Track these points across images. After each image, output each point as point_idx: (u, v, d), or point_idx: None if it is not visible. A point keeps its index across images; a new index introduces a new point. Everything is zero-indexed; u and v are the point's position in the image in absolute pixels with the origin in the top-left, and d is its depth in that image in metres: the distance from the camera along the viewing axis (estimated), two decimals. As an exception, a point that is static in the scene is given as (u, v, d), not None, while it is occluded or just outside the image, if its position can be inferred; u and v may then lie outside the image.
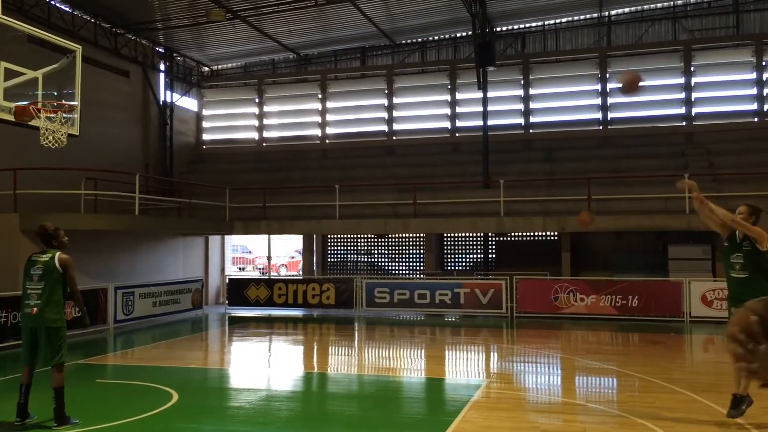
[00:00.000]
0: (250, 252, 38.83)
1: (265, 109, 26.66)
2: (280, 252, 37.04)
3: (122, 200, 18.21)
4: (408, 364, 12.23)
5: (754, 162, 20.00)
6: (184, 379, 10.29)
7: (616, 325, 16.23)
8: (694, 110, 22.42)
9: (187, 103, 26.54)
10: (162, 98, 24.78)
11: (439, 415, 8.08)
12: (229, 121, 27.30)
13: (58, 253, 7.38)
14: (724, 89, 22.61)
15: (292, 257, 38.38)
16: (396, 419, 7.94)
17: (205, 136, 27.27)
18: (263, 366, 11.90)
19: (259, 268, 36.97)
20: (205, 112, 27.29)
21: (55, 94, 9.61)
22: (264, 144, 26.57)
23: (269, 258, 25.44)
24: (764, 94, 21.86)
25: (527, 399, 8.96)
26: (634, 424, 7.36)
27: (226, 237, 23.92)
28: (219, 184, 22.17)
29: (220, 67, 27.45)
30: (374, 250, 23.92)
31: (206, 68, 27.30)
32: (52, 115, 8.53)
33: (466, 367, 12.03)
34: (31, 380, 7.39)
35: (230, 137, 27.16)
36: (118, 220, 17.31)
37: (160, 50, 24.73)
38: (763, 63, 21.82)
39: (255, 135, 26.71)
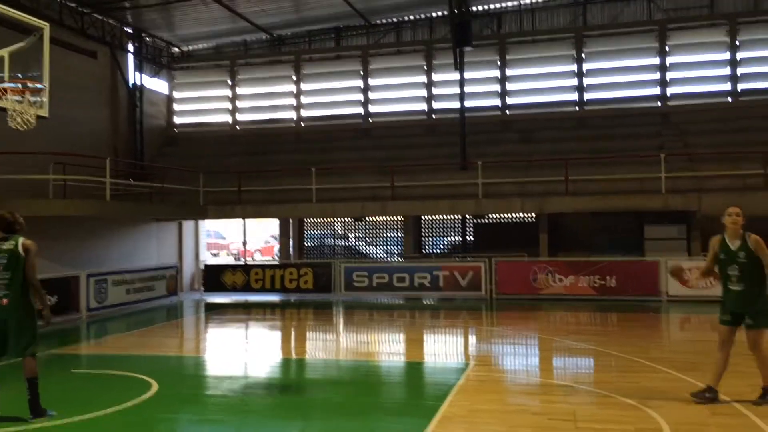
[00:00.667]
0: (224, 238, 38.39)
1: (238, 91, 26.15)
2: (255, 237, 36.65)
3: (93, 185, 17.74)
4: (390, 349, 12.10)
5: (728, 141, 20.13)
6: (163, 367, 10.04)
7: (594, 305, 16.29)
8: (669, 90, 22.48)
9: (158, 85, 25.93)
10: (131, 80, 24.14)
11: (426, 400, 7.96)
12: (201, 103, 26.76)
13: (21, 239, 7.04)
14: (698, 69, 22.70)
15: (267, 242, 38.01)
16: (382, 405, 7.80)
17: (177, 119, 26.70)
18: (243, 353, 11.68)
19: (233, 254, 36.60)
20: (176, 95, 26.69)
21: (20, 76, 9.19)
22: (237, 127, 26.11)
23: (245, 243, 25.08)
24: (738, 74, 21.99)
25: (513, 381, 8.89)
26: (622, 404, 7.32)
27: (200, 222, 23.54)
28: (191, 168, 21.72)
29: (190, 48, 26.85)
30: (351, 233, 23.71)
31: (176, 49, 26.67)
32: (19, 96, 8.11)
33: (449, 351, 11.94)
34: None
35: (202, 120, 26.61)
36: (88, 205, 16.85)
37: (129, 30, 24.06)
38: (737, 43, 21.93)
39: (228, 118, 26.22)
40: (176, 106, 26.68)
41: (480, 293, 17.66)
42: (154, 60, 25.50)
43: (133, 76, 24.27)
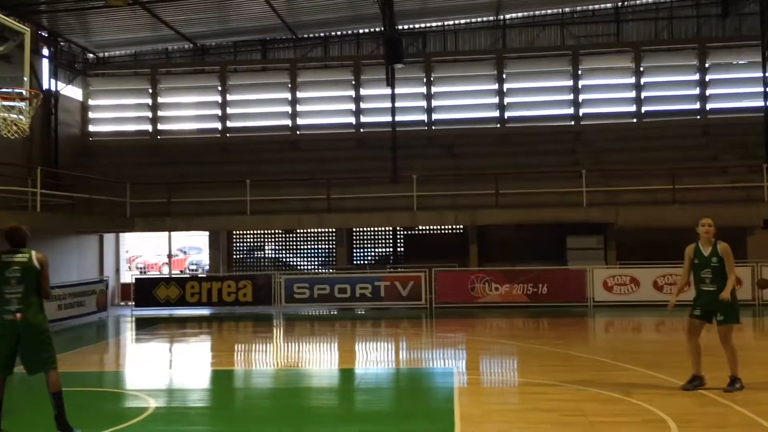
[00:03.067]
0: (126, 251, 36.93)
1: (159, 100, 25.47)
2: (161, 250, 35.57)
3: (11, 196, 16.82)
4: (370, 357, 12.36)
5: (634, 159, 21.89)
6: (153, 383, 9.81)
7: (528, 311, 17.24)
8: (582, 111, 24.14)
9: (72, 92, 24.80)
10: (45, 86, 22.97)
11: (437, 403, 8.32)
12: (119, 112, 25.86)
13: (33, 252, 6.84)
14: (607, 92, 24.55)
15: (176, 255, 36.93)
16: (404, 410, 8.06)
17: (92, 128, 25.62)
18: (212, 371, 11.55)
19: (139, 267, 35.30)
20: (91, 102, 25.63)
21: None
22: (159, 137, 25.39)
23: (170, 256, 24.40)
24: (641, 98, 23.97)
25: (504, 383, 9.41)
26: (615, 399, 8.00)
27: (121, 236, 22.71)
28: (113, 179, 20.94)
29: (106, 54, 25.88)
30: (282, 245, 23.66)
31: (91, 55, 25.64)
32: (13, 104, 7.81)
33: (426, 357, 12.24)
34: (3, 394, 6.80)
35: (120, 129, 25.68)
36: (16, 217, 15.89)
37: (44, 34, 22.92)
38: (641, 68, 23.92)
39: (148, 127, 25.45)
40: (91, 114, 25.62)
41: (420, 302, 18.21)
42: (69, 66, 24.39)
43: (48, 83, 23.11)
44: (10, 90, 8.03)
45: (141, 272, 32.49)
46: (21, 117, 8.13)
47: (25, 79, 8.88)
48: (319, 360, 12.18)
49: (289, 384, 9.95)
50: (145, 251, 35.38)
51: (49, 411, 6.61)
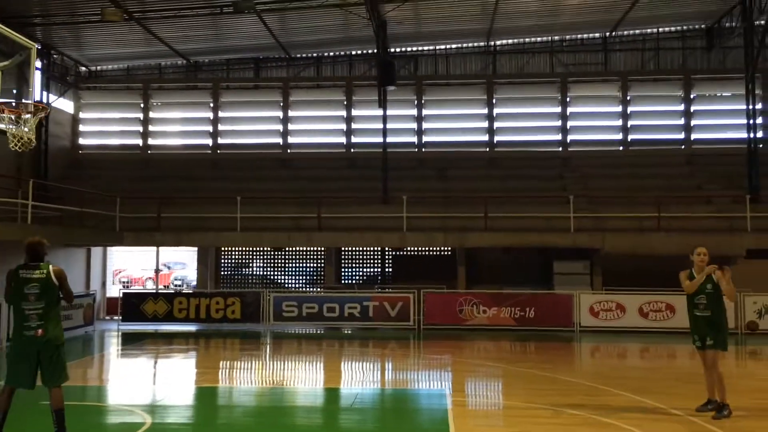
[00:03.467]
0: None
1: (152, 115, 25.52)
2: (145, 265, 35.37)
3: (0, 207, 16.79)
4: (356, 377, 12.41)
5: (621, 186, 22.26)
6: (144, 398, 9.80)
7: (515, 334, 17.38)
8: (569, 137, 24.53)
9: (63, 104, 24.80)
10: (37, 98, 22.93)
11: (432, 424, 8.42)
12: (110, 125, 25.85)
13: (50, 266, 6.90)
14: (594, 119, 24.99)
15: (160, 270, 36.73)
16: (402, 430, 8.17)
17: (83, 141, 25.60)
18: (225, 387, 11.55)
19: (123, 282, 35.04)
20: (82, 115, 25.62)
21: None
22: (149, 151, 25.41)
23: (157, 270, 24.30)
24: (628, 126, 24.42)
25: (494, 406, 9.52)
26: (605, 423, 8.15)
27: (108, 249, 22.61)
28: (102, 192, 20.91)
29: (99, 68, 25.94)
30: (269, 263, 23.67)
31: (84, 68, 25.67)
32: (24, 116, 7.90)
33: (414, 378, 12.33)
34: (9, 405, 6.83)
35: (111, 143, 25.68)
36: (9, 229, 15.88)
37: (37, 47, 22.85)
38: (628, 97, 24.40)
39: (139, 141, 25.46)
40: (82, 127, 25.61)
41: (408, 323, 18.30)
42: (61, 79, 24.41)
43: (40, 95, 23.08)
44: (12, 103, 8.08)
45: (125, 287, 32.28)
46: (25, 129, 8.20)
47: (30, 93, 8.98)
48: (310, 379, 12.23)
49: (284, 402, 9.98)
50: (129, 266, 35.16)
51: (43, 423, 6.63)
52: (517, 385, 10.94)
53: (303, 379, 12.15)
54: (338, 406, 9.82)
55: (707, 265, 8.48)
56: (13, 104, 8.22)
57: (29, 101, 8.46)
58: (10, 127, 7.86)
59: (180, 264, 37.45)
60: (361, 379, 12.30)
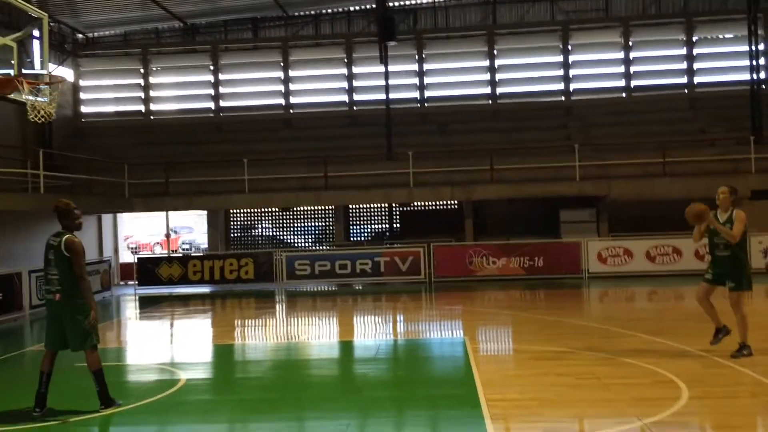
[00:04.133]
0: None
1: (151, 80, 25.44)
2: (153, 230, 35.66)
3: (8, 178, 16.94)
4: (376, 330, 12.73)
5: (624, 133, 22.34)
6: (179, 356, 10.11)
7: (526, 283, 17.70)
8: (572, 86, 24.48)
9: (62, 73, 24.65)
10: (38, 66, 22.82)
11: (455, 370, 8.72)
12: (111, 92, 25.82)
13: (66, 237, 7.05)
14: (596, 67, 24.90)
15: (168, 235, 37.02)
16: (419, 376, 8.46)
17: (84, 109, 25.57)
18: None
19: (131, 248, 35.36)
20: (82, 83, 25.54)
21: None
22: (152, 117, 25.41)
23: (168, 235, 24.58)
24: (631, 72, 24.35)
25: (516, 351, 9.82)
26: (625, 363, 8.43)
27: (118, 216, 22.81)
28: (108, 159, 21.02)
29: (96, 34, 25.75)
30: (278, 223, 23.91)
31: (81, 36, 25.48)
32: (41, 87, 7.99)
33: (433, 329, 12.62)
34: (52, 368, 7.09)
35: (113, 109, 25.66)
36: (24, 199, 16.07)
37: (33, 15, 22.69)
38: (630, 43, 24.27)
39: (141, 107, 25.44)
40: (83, 95, 25.55)
41: (420, 277, 18.61)
42: (59, 47, 24.25)
43: (39, 64, 22.95)
44: (34, 75, 8.16)
45: (133, 252, 32.59)
46: (43, 100, 8.29)
47: (45, 63, 9.04)
48: (330, 333, 12.53)
49: (310, 356, 10.29)
50: (136, 231, 35.44)
51: (80, 384, 6.89)
52: (532, 331, 11.22)
53: (324, 333, 12.47)
54: (361, 356, 10.13)
55: (731, 204, 8.54)
56: (30, 75, 8.25)
57: (44, 71, 8.50)
58: (29, 98, 7.92)
59: (187, 228, 37.80)
60: (379, 331, 12.61)
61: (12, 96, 8.06)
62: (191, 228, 37.70)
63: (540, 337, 10.53)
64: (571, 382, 7.69)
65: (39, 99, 8.03)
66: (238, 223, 23.94)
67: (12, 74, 8.01)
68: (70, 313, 6.97)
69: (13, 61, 8.28)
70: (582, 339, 10.28)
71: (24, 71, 8.13)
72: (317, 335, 12.33)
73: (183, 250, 33.85)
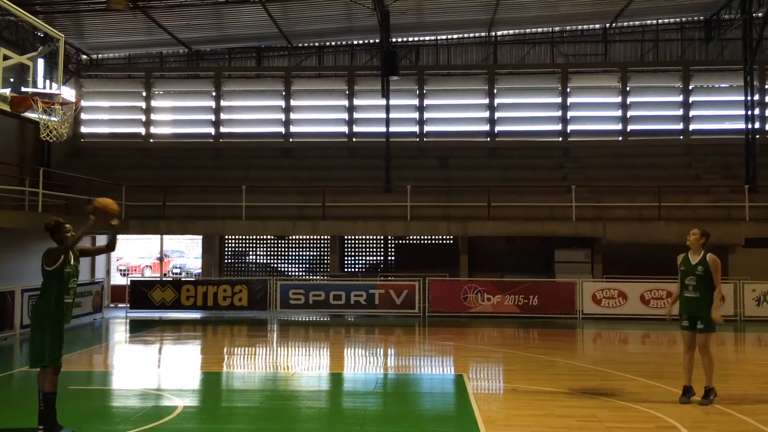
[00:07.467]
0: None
1: (153, 103, 25.53)
2: (143, 253, 35.48)
3: (6, 195, 16.91)
4: (373, 362, 12.64)
5: (620, 176, 22.55)
6: (173, 382, 10.00)
7: (520, 321, 17.68)
8: (570, 127, 24.80)
9: (65, 92, 24.68)
10: (40, 86, 22.85)
11: (455, 407, 8.67)
12: (112, 114, 25.88)
13: (48, 247, 7.11)
14: (594, 110, 25.26)
15: (159, 258, 36.83)
16: (421, 413, 8.39)
17: (84, 129, 25.58)
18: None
19: (121, 270, 35.10)
20: (83, 103, 25.54)
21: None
22: (151, 140, 25.45)
23: (161, 258, 24.42)
24: (627, 116, 24.71)
25: (515, 390, 9.77)
26: (624, 406, 8.43)
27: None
28: (103, 180, 20.96)
29: (100, 56, 25.90)
30: (272, 251, 23.84)
31: (85, 56, 25.63)
32: (54, 106, 8.03)
33: (435, 365, 12.57)
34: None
35: (113, 131, 25.70)
36: (19, 217, 15.99)
37: (39, 34, 22.85)
38: (627, 89, 24.67)
39: (141, 130, 25.49)
40: (84, 116, 25.57)
41: (414, 311, 18.55)
42: (63, 67, 24.29)
43: (43, 83, 22.99)
44: (49, 94, 8.20)
45: (123, 274, 32.35)
46: (56, 119, 8.33)
47: (59, 84, 9.08)
48: (328, 365, 12.43)
49: (308, 387, 10.20)
50: (126, 254, 35.23)
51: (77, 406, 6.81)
52: (529, 370, 11.19)
53: (320, 365, 12.36)
54: (358, 390, 10.05)
55: (703, 246, 8.65)
56: (45, 95, 8.29)
57: (58, 92, 8.55)
58: (44, 117, 7.95)
59: (178, 252, 37.59)
60: (377, 364, 12.52)
61: (26, 114, 8.06)
62: (182, 252, 37.52)
63: (537, 376, 10.50)
64: (574, 425, 7.68)
65: (52, 118, 8.03)
66: (232, 249, 23.85)
67: (29, 92, 8.00)
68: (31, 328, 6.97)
69: (29, 79, 8.31)
70: (579, 380, 10.27)
71: (35, 90, 8.09)
72: (313, 366, 12.22)
73: (173, 274, 33.61)
